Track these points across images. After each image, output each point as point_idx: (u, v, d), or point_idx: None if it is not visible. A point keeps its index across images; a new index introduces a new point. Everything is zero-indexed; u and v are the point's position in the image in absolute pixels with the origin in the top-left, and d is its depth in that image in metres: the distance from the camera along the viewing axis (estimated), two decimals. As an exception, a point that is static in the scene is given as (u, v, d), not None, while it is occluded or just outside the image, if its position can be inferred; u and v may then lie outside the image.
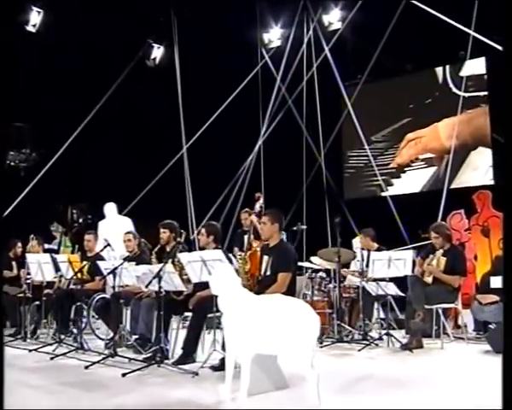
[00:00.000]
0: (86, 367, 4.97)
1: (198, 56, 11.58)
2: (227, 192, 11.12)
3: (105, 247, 6.31)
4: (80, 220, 8.99)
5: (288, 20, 11.73)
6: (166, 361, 5.03)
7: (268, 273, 5.10)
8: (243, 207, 10.59)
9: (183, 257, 5.09)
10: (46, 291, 7.03)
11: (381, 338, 6.36)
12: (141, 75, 11.27)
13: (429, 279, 6.27)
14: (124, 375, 4.60)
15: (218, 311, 5.49)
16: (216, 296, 4.89)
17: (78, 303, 6.67)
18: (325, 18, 11.52)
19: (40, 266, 6.31)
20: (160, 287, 4.97)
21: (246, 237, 8.19)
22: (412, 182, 10.65)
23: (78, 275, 5.97)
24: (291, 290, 4.95)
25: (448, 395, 4.10)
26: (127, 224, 8.11)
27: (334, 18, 11.51)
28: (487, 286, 6.35)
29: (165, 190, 10.93)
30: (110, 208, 8.56)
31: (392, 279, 6.52)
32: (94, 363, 5.04)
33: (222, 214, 10.77)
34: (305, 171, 11.22)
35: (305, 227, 8.15)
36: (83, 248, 7.31)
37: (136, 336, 6.05)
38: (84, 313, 6.59)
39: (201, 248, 5.89)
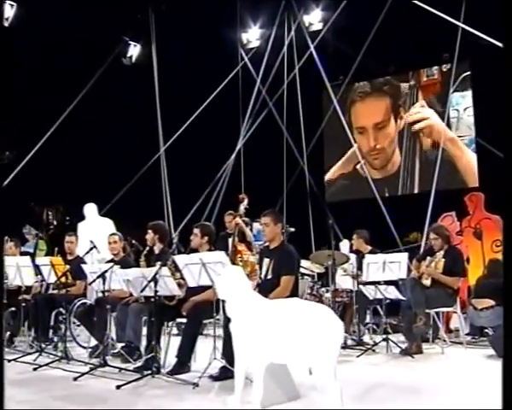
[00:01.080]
0: (75, 379, 4.61)
1: (176, 55, 11.26)
2: (206, 194, 10.86)
3: (91, 249, 5.94)
4: (55, 222, 8.51)
5: (267, 21, 11.57)
6: (162, 371, 4.70)
7: (269, 277, 4.84)
8: (222, 209, 10.40)
9: (180, 259, 4.76)
10: (23, 296, 6.61)
11: (376, 343, 6.16)
12: (117, 73, 10.89)
13: (428, 282, 6.10)
14: (118, 387, 4.26)
15: (212, 317, 5.33)
16: (217, 301, 4.71)
17: (59, 309, 6.34)
18: (306, 19, 11.38)
19: (19, 269, 5.89)
20: (156, 291, 4.64)
21: (230, 239, 7.93)
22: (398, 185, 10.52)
23: (63, 279, 5.56)
24: (293, 294, 4.69)
25: (461, 401, 3.94)
26: (108, 225, 7.74)
27: (314, 19, 11.38)
28: (482, 290, 6.26)
29: (143, 191, 10.57)
30: (90, 209, 8.15)
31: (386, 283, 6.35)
32: (83, 374, 4.68)
33: (202, 217, 10.50)
34: (285, 173, 11.01)
35: (293, 230, 7.91)
36: (62, 251, 6.89)
37: (123, 344, 5.72)
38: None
39: (193, 250, 5.60)
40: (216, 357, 4.63)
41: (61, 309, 6.41)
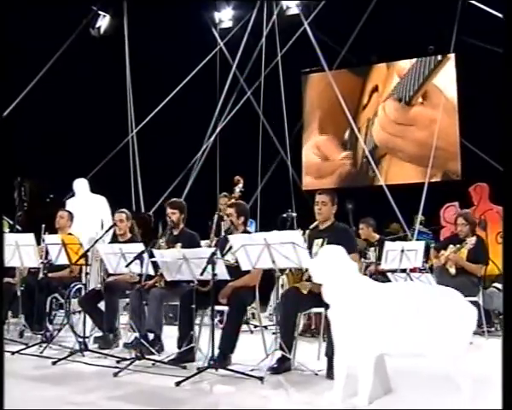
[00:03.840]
0: (115, 375, 4.01)
1: (149, 29, 10.56)
2: (181, 179, 10.35)
3: (111, 227, 5.33)
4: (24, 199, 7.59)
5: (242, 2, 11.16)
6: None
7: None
8: (195, 194, 9.93)
9: (236, 239, 4.25)
10: (7, 280, 5.86)
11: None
12: (84, 45, 10.08)
13: (453, 270, 5.96)
14: (178, 384, 3.72)
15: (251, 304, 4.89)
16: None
17: (54, 295, 5.72)
18: (283, 3, 11.07)
19: (18, 248, 5.13)
20: (214, 275, 4.12)
21: (223, 223, 7.49)
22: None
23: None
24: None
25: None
26: (102, 203, 7.04)
27: (291, 2, 11.07)
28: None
29: (112, 173, 9.85)
30: (81, 185, 7.35)
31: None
32: (122, 369, 4.09)
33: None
34: (260, 160, 10.64)
35: (295, 215, 7.52)
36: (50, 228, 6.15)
37: (137, 334, 5.14)
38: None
39: (227, 231, 5.13)
40: (277, 348, 4.17)
41: (56, 295, 5.80)
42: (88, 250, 4.92)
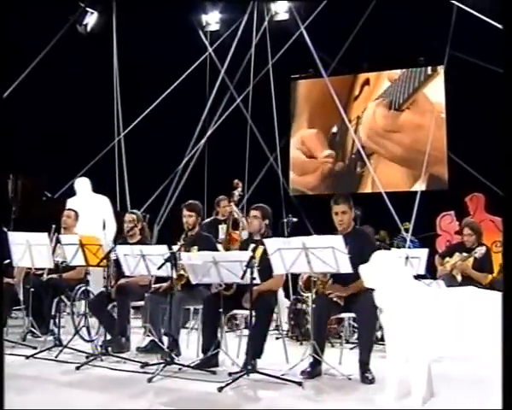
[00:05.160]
0: (149, 380, 3.90)
1: (137, 29, 10.39)
2: (167, 183, 10.20)
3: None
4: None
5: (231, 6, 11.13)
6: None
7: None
8: (180, 201, 9.80)
9: (272, 244, 4.20)
10: (7, 281, 5.64)
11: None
12: (71, 42, 9.83)
13: (459, 277, 6.06)
14: (220, 389, 3.65)
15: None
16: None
17: (60, 297, 5.49)
18: (272, 7, 11.07)
19: (30, 248, 4.93)
20: (252, 278, 4.07)
21: (221, 226, 7.44)
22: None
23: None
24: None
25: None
26: (104, 203, 6.86)
27: (281, 8, 11.09)
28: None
29: (99, 175, 9.61)
30: (83, 184, 7.14)
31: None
32: (156, 374, 3.98)
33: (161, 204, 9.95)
34: (247, 165, 10.59)
35: (295, 220, 7.52)
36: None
37: (151, 338, 5.04)
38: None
39: (250, 234, 5.10)
40: (311, 353, 4.14)
41: (62, 297, 5.60)
42: (110, 251, 4.78)
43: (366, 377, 4.03)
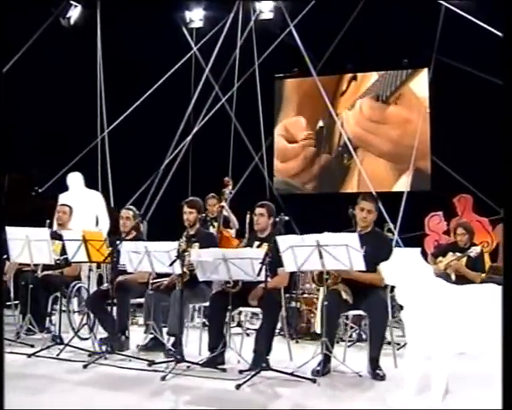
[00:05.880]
0: (163, 378, 3.84)
1: (122, 24, 10.25)
2: (151, 181, 10.07)
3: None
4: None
5: (215, 4, 11.07)
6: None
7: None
8: (167, 198, 9.72)
9: (284, 241, 4.18)
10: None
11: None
12: (54, 36, 9.64)
13: (453, 276, 6.14)
14: (238, 386, 3.62)
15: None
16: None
17: (55, 294, 5.44)
18: (257, 6, 11.05)
19: (29, 244, 4.80)
20: (267, 276, 4.04)
21: (211, 225, 7.40)
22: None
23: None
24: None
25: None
26: (98, 198, 6.73)
27: (265, 7, 11.09)
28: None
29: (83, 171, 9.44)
30: (75, 179, 6.97)
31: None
32: (167, 373, 3.93)
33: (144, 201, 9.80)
34: (231, 165, 10.55)
35: (287, 218, 7.50)
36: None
37: (152, 336, 4.98)
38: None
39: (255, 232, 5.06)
40: (325, 351, 4.14)
41: (57, 294, 5.48)
42: (116, 247, 4.69)
43: (377, 373, 4.06)
